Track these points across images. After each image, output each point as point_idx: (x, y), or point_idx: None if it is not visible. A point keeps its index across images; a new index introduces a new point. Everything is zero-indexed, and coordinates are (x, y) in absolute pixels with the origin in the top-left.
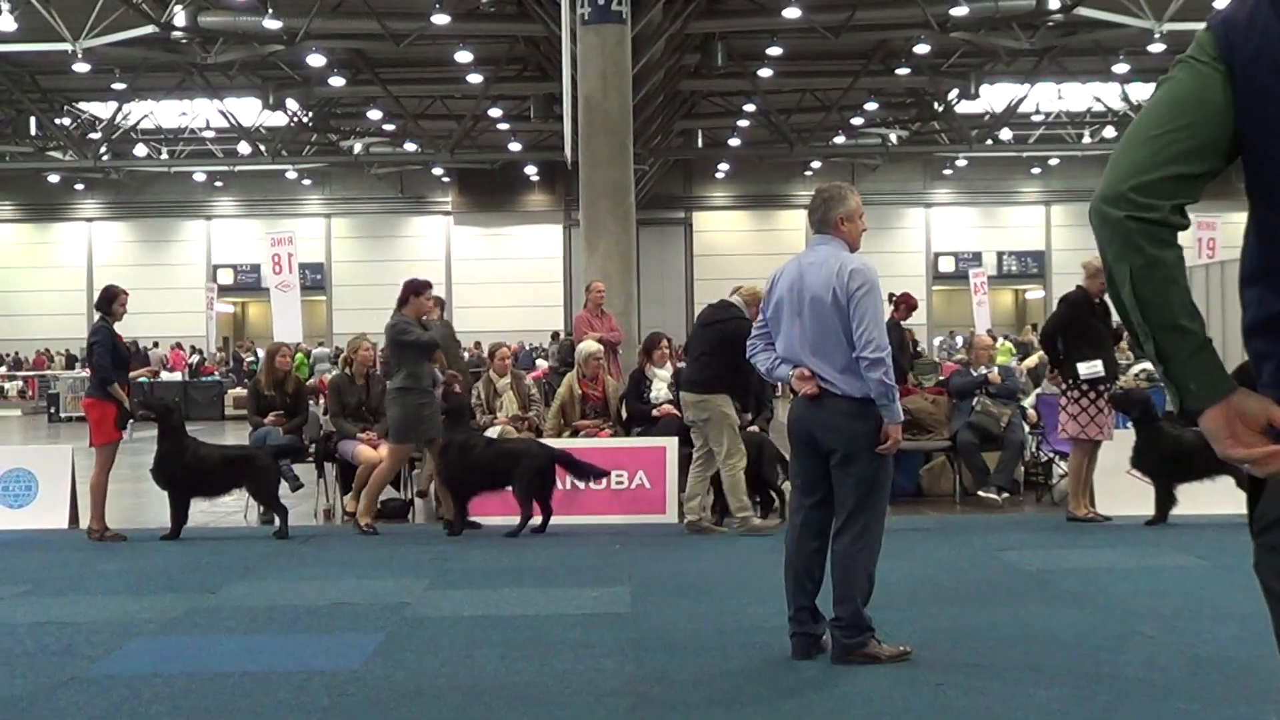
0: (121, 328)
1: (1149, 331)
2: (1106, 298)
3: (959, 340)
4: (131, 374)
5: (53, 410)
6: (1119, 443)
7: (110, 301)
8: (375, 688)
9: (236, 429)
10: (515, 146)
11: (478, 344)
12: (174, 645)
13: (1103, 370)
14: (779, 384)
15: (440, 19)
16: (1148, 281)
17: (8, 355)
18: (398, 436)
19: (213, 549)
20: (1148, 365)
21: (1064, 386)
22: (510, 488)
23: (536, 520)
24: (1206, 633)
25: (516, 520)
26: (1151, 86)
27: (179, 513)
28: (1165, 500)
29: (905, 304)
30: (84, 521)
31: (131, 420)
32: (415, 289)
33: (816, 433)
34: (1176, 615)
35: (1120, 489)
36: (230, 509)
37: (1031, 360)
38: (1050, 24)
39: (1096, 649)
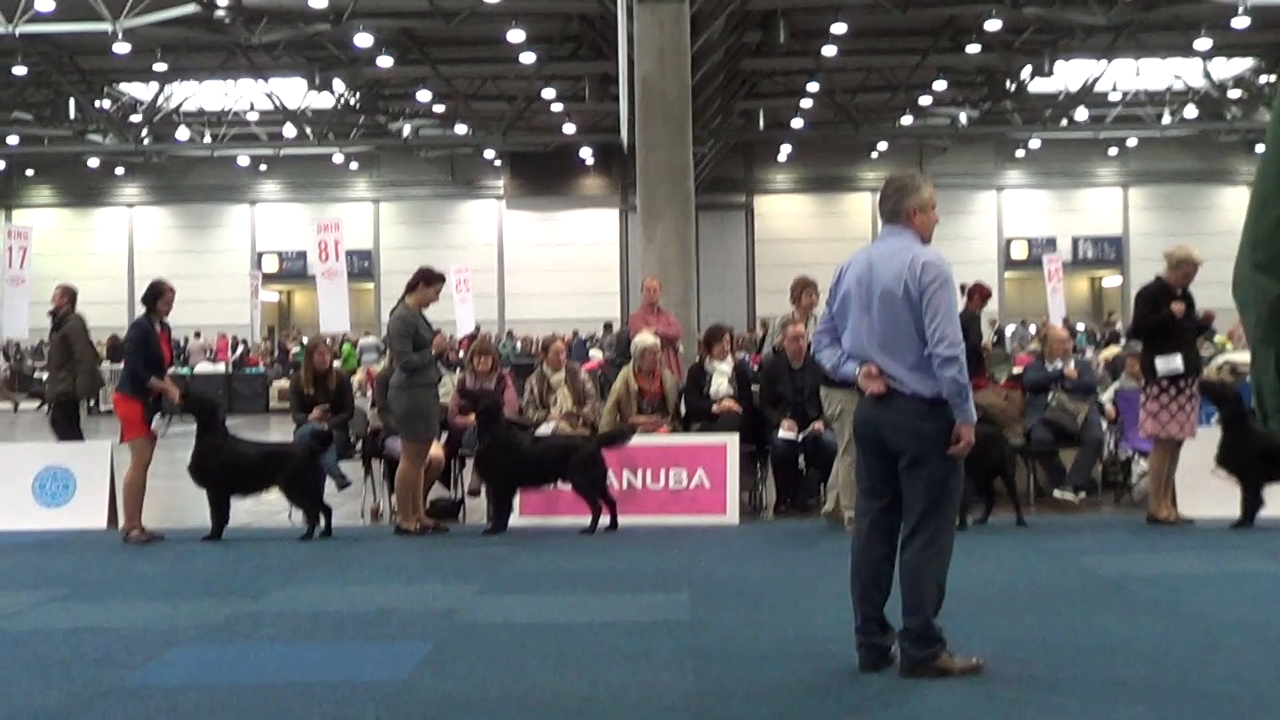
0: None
1: None
2: (1190, 288)
3: (1031, 329)
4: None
5: (91, 403)
6: (1203, 441)
7: (155, 298)
8: (423, 700)
9: (281, 422)
10: (569, 128)
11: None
12: (215, 654)
13: (1182, 366)
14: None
15: None
16: None
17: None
18: (408, 432)
19: (255, 551)
20: (1232, 358)
21: (1143, 383)
22: (554, 484)
23: (605, 519)
24: None
25: (559, 520)
26: (1235, 64)
27: (219, 512)
28: (1253, 502)
29: (979, 294)
30: (123, 521)
31: (161, 414)
32: (428, 278)
33: (884, 433)
34: (1266, 626)
35: (1204, 489)
36: (274, 508)
37: (1110, 351)
38: None
39: (1180, 662)
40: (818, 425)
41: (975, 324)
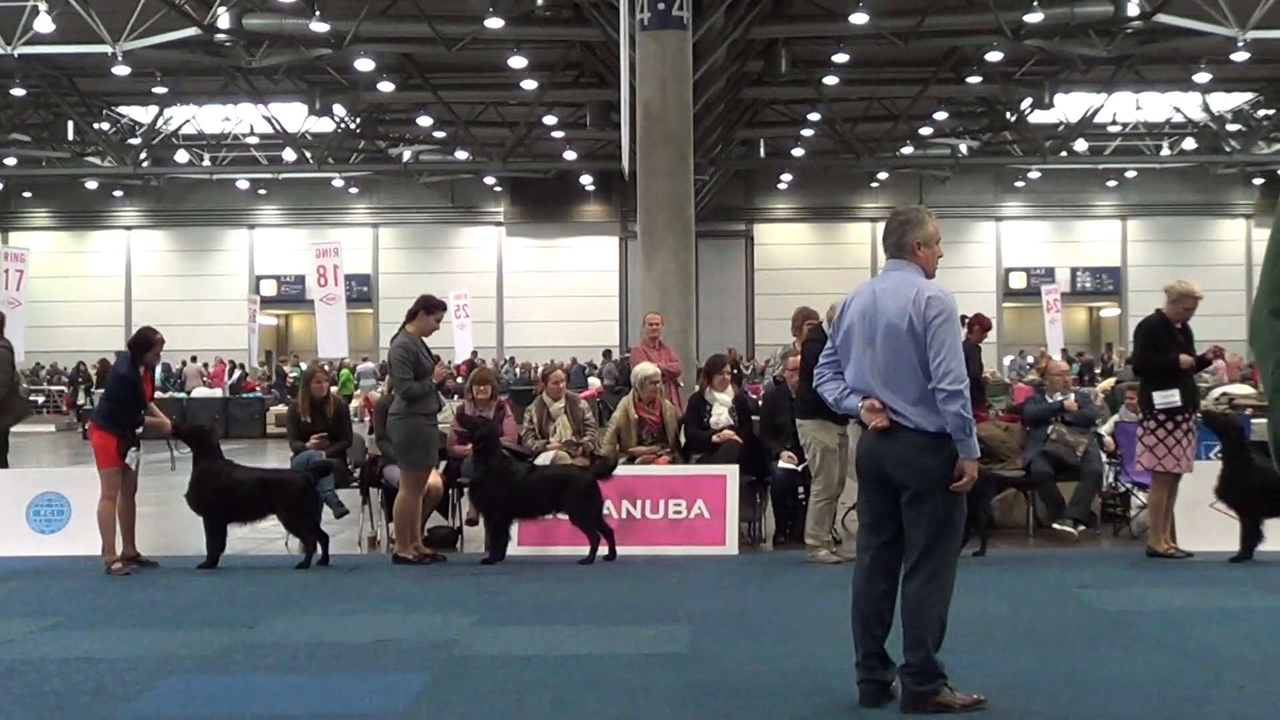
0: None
1: None
2: (1189, 323)
3: (1030, 359)
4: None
5: (85, 428)
6: (1203, 474)
7: (145, 350)
8: None
9: (278, 448)
10: (570, 155)
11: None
12: (209, 685)
13: (1179, 400)
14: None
15: (494, 23)
16: None
17: (42, 367)
18: (406, 460)
19: (252, 579)
20: (1229, 390)
21: (1140, 416)
22: (551, 515)
23: (603, 549)
24: None
25: (557, 550)
26: (1234, 97)
27: (216, 539)
28: (1252, 536)
29: (980, 325)
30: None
31: (136, 448)
32: (429, 306)
33: (887, 467)
34: (1267, 663)
35: (1204, 522)
36: (271, 536)
37: (1108, 383)
38: (1128, 31)
39: (1181, 699)
40: None
41: (976, 355)
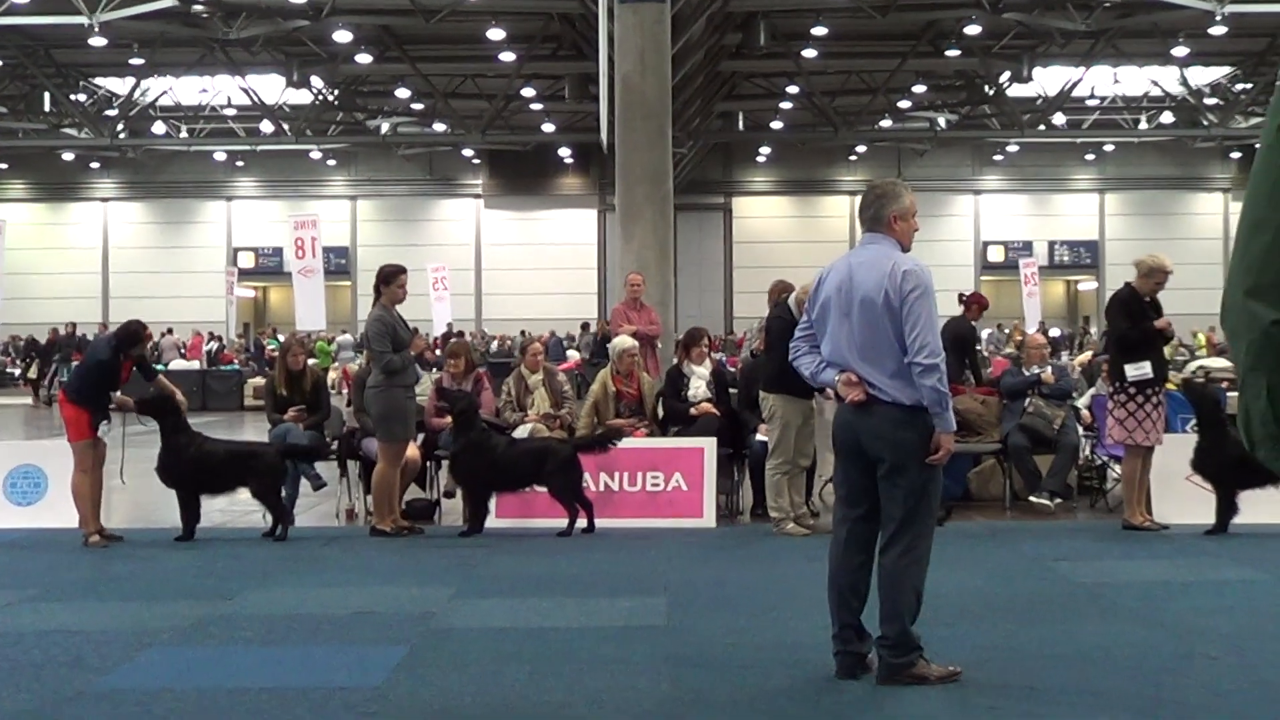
0: (138, 313)
1: None
2: (1159, 296)
3: (1006, 331)
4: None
5: (35, 399)
6: (1181, 446)
7: (132, 343)
8: (398, 706)
9: (256, 420)
10: (549, 128)
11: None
12: (188, 657)
13: (1151, 372)
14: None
15: None
16: None
17: (18, 340)
18: (384, 433)
19: (229, 551)
20: (1206, 363)
21: (1112, 390)
22: (531, 488)
23: (582, 522)
24: (1272, 654)
25: (535, 522)
26: (1212, 71)
27: (189, 512)
28: (1227, 508)
29: (978, 304)
30: (102, 520)
31: (107, 422)
32: (385, 277)
33: (863, 441)
34: (1240, 634)
35: (1179, 495)
36: (247, 508)
37: (1085, 356)
38: (1107, 5)
39: (1157, 671)
40: None
41: (973, 334)
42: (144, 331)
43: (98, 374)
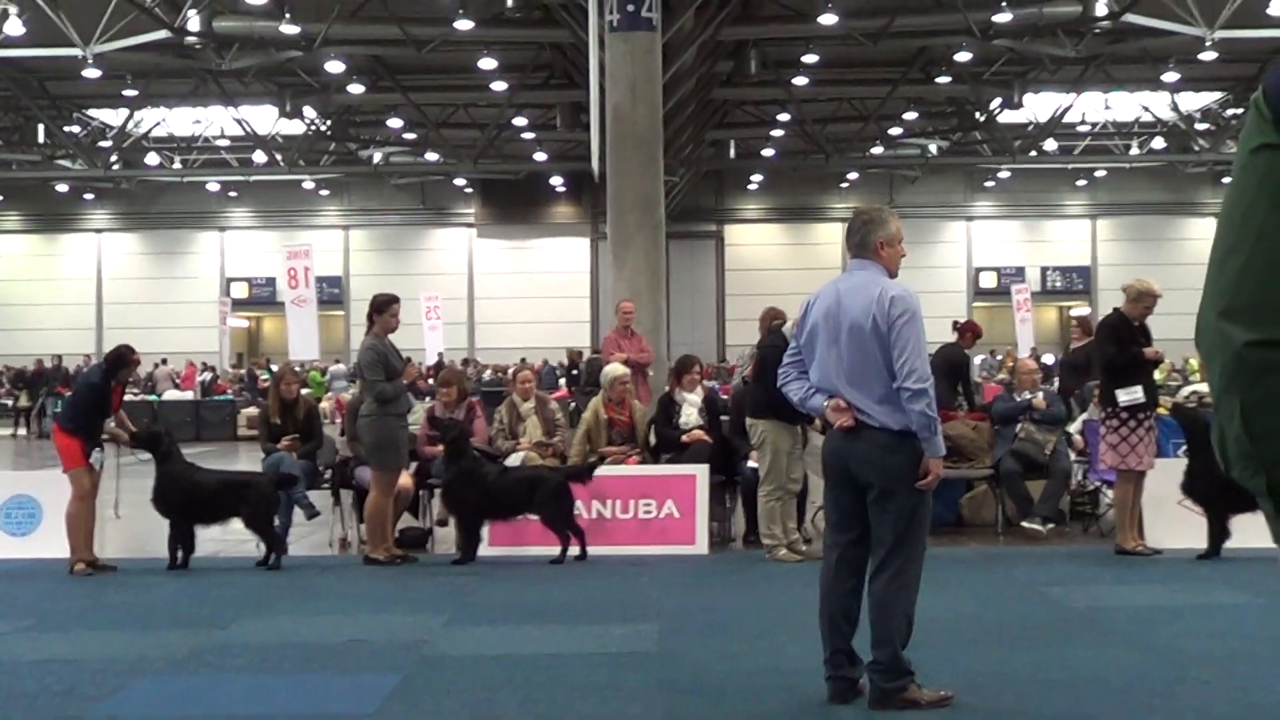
0: (132, 344)
1: (1259, 465)
2: (1147, 321)
3: (999, 358)
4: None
5: (26, 433)
6: (1172, 471)
7: (121, 366)
8: None
9: (250, 450)
10: (540, 157)
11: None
12: (181, 686)
13: (1143, 396)
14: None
15: (463, 24)
16: (1262, 413)
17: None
18: (377, 462)
19: (223, 580)
20: (1199, 388)
21: (1103, 415)
22: (523, 516)
23: (574, 549)
24: (1263, 677)
25: (528, 550)
26: (1203, 96)
27: (183, 541)
28: (1219, 532)
29: (971, 332)
30: (95, 549)
31: (100, 449)
32: (378, 306)
33: (853, 466)
34: (1232, 658)
35: (1172, 519)
36: (241, 537)
37: None
38: (1097, 31)
39: (1149, 695)
40: None
41: (966, 361)
42: (132, 356)
43: (89, 399)
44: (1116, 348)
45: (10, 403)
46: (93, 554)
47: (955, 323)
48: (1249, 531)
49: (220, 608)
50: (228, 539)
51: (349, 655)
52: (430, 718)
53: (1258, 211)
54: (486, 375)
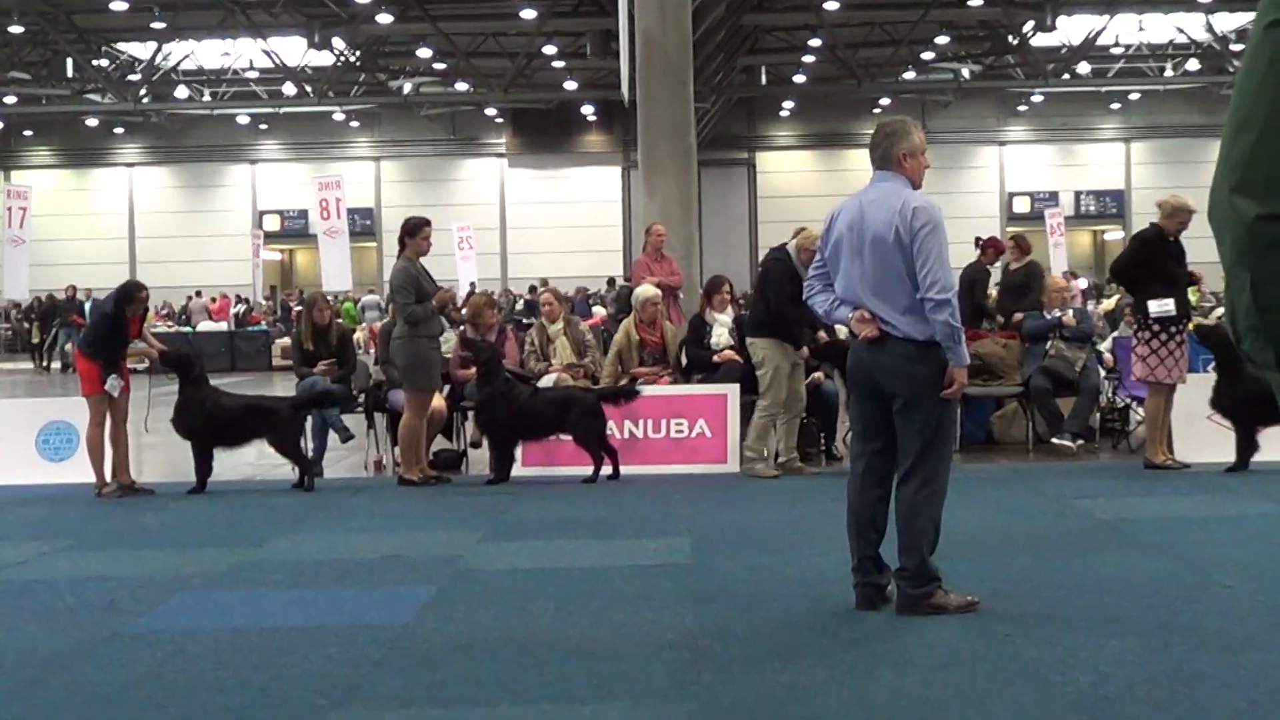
0: (165, 278)
1: (1269, 338)
2: (1183, 238)
3: None
4: (132, 352)
5: (46, 365)
6: (1201, 386)
7: (128, 302)
8: (426, 641)
9: (284, 379)
10: (571, 85)
11: (532, 288)
12: (220, 600)
13: (1174, 309)
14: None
15: None
16: (1272, 285)
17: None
18: (410, 383)
19: (259, 502)
20: None
21: (1135, 327)
22: (556, 436)
23: (607, 469)
24: None
25: (561, 470)
26: (1238, 17)
27: (202, 464)
28: (1247, 446)
29: (993, 248)
30: (133, 473)
31: (114, 377)
32: (410, 230)
33: (878, 377)
34: (1256, 565)
35: (1201, 434)
36: (276, 461)
37: (1109, 303)
38: None
39: (1173, 600)
40: (818, 375)
41: (985, 278)
42: (139, 292)
43: (104, 328)
44: (1142, 264)
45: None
46: (129, 477)
47: (978, 238)
48: (1278, 444)
49: (256, 527)
50: (263, 462)
51: (384, 570)
52: (465, 627)
53: (1269, 88)
54: (519, 306)
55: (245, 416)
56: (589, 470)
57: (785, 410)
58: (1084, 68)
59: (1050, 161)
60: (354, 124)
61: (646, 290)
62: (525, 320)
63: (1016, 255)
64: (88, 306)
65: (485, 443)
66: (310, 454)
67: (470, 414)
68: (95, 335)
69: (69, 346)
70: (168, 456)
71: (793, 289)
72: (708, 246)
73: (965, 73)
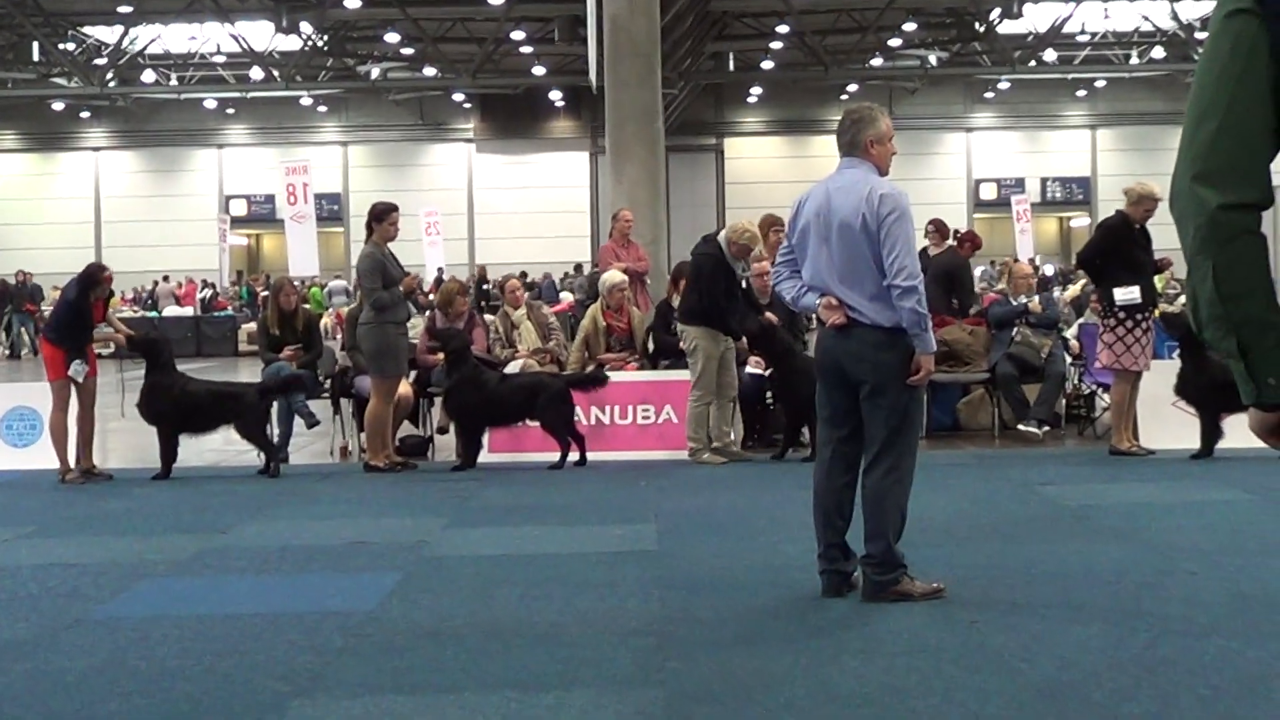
0: (131, 262)
1: (1230, 326)
2: (1149, 226)
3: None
4: (98, 337)
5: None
6: (1166, 373)
7: (92, 285)
8: (391, 628)
9: (251, 365)
10: (539, 70)
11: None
12: (183, 586)
13: (1140, 297)
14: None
15: None
16: (1233, 274)
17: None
18: (376, 369)
19: (224, 488)
20: None
21: (1101, 314)
22: (524, 422)
23: (574, 455)
24: (1251, 568)
25: (528, 457)
26: (1202, 5)
27: (168, 450)
28: (1211, 433)
29: (971, 242)
30: (96, 460)
31: (79, 362)
32: (376, 215)
33: (845, 364)
34: (1220, 551)
35: (1166, 421)
36: (241, 448)
37: (1074, 290)
38: None
39: (1137, 586)
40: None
41: (967, 271)
42: (102, 274)
43: (68, 314)
44: (1109, 253)
45: None
46: (91, 462)
47: (956, 231)
48: (1242, 431)
49: (221, 514)
50: (228, 449)
51: (349, 556)
52: (429, 613)
53: (1230, 76)
54: (486, 288)
55: (212, 402)
56: (555, 456)
57: (718, 396)
58: (1050, 55)
59: (1017, 148)
60: (321, 109)
61: (613, 276)
62: (484, 303)
63: (936, 241)
64: (160, 289)
65: (452, 428)
66: (276, 440)
67: (437, 400)
68: (59, 320)
69: (22, 332)
70: (134, 441)
71: (726, 284)
72: (675, 232)
73: (932, 59)
